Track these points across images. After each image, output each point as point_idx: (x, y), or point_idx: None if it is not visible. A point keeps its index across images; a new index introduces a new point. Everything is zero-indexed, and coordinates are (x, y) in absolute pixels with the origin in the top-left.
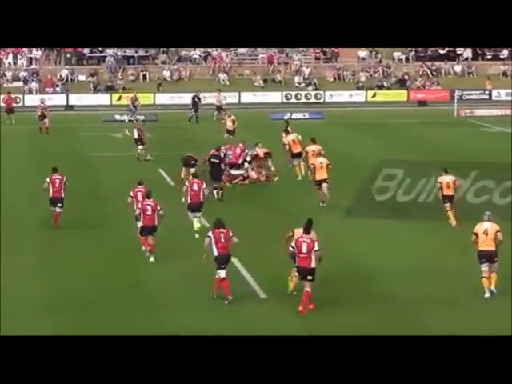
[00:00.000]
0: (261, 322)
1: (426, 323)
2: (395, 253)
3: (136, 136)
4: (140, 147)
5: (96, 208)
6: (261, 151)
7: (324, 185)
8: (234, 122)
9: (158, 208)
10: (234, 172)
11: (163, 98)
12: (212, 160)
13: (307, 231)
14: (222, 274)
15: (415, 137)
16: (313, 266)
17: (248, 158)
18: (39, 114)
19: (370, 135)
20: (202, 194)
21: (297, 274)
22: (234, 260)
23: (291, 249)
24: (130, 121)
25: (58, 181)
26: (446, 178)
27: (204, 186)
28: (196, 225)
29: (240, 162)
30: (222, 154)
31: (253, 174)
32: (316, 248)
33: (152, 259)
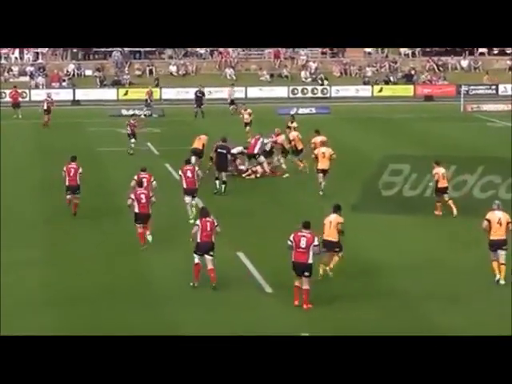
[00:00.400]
0: (267, 316)
1: (430, 318)
2: (402, 247)
3: (129, 131)
4: (132, 140)
5: (103, 202)
6: (279, 138)
7: (323, 174)
8: (250, 114)
9: (151, 195)
10: (241, 167)
11: (169, 93)
12: (219, 150)
13: (306, 226)
14: (196, 259)
15: (421, 132)
16: (310, 261)
17: (267, 148)
18: (45, 108)
19: (377, 130)
20: (196, 179)
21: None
22: (239, 254)
23: (289, 243)
24: (145, 115)
25: (73, 170)
26: (441, 170)
27: (197, 168)
28: (194, 210)
29: (256, 151)
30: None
31: (259, 169)
32: (316, 243)
33: (149, 237)
